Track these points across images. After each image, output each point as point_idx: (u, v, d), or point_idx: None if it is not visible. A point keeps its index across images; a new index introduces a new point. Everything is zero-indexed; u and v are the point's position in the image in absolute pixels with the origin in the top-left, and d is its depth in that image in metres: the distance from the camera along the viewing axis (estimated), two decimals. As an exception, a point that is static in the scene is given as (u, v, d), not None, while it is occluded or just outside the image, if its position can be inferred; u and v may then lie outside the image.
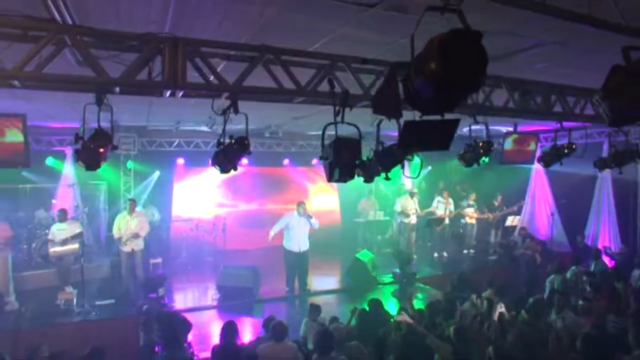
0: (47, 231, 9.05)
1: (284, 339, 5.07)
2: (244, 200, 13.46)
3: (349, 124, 3.15)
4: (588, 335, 5.01)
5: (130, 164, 11.20)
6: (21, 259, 9.39)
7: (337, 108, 3.07)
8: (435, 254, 12.17)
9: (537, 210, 13.05)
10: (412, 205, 11.76)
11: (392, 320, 6.05)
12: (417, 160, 14.38)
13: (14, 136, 6.83)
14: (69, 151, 10.27)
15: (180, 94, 3.23)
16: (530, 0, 2.26)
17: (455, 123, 2.57)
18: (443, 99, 1.83)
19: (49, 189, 10.50)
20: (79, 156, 3.33)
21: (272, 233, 8.88)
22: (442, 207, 12.21)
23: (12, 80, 2.92)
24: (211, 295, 8.78)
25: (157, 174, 11.93)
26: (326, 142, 3.10)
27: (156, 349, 5.56)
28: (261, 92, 3.35)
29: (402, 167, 3.89)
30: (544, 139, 12.52)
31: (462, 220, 12.43)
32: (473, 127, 4.88)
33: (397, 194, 13.25)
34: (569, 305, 6.32)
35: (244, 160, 12.91)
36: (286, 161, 13.38)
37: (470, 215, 12.25)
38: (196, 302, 8.82)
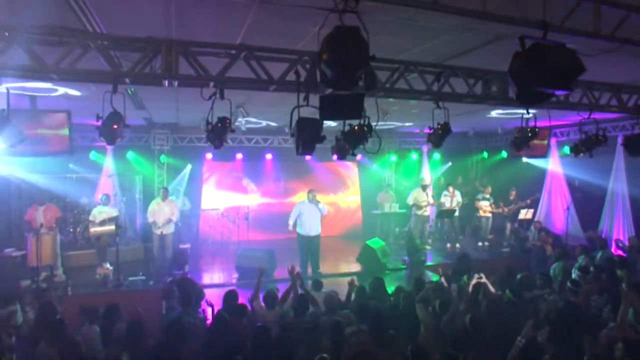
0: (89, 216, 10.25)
1: (274, 306, 5.82)
2: (268, 192, 14.34)
3: (313, 106, 3.86)
4: (561, 310, 5.43)
5: (163, 158, 12.31)
6: (68, 239, 10.63)
7: (302, 94, 3.79)
8: (449, 245, 12.60)
9: (554, 205, 13.24)
10: (424, 198, 12.25)
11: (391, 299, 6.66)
12: (436, 156, 14.90)
13: (60, 129, 7.97)
14: (109, 146, 11.52)
15: (176, 83, 4.06)
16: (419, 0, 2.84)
17: (360, 97, 3.23)
18: (340, 79, 2.52)
19: (92, 179, 11.75)
20: (100, 132, 4.23)
21: (291, 222, 9.69)
22: (448, 200, 12.65)
23: (52, 74, 3.83)
24: (230, 275, 9.67)
25: (189, 167, 13.02)
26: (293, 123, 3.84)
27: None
28: (241, 82, 4.12)
29: (364, 145, 4.53)
30: (559, 133, 12.78)
31: (477, 213, 12.78)
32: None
33: (416, 187, 13.77)
34: (550, 285, 6.72)
35: (268, 155, 13.89)
36: (308, 157, 14.16)
37: (484, 208, 12.58)
38: (216, 280, 9.74)
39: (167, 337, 4.60)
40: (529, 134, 5.81)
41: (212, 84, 4.06)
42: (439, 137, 5.40)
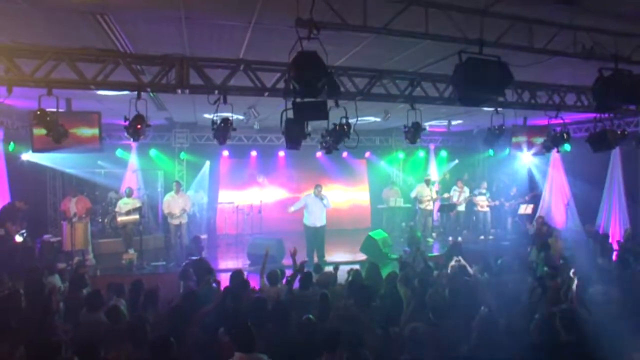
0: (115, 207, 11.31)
1: (277, 284, 6.66)
2: (279, 187, 15.22)
3: (299, 110, 4.67)
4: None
5: (183, 155, 13.32)
6: (97, 229, 11.72)
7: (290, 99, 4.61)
8: (450, 238, 13.23)
9: (555, 200, 13.75)
10: (427, 193, 12.92)
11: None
12: (443, 154, 15.53)
13: (91, 129, 8.97)
14: (134, 144, 12.59)
15: (187, 91, 4.93)
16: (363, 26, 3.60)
17: (323, 102, 4.04)
18: (305, 90, 3.34)
19: (118, 174, 12.85)
20: (126, 131, 5.14)
21: (292, 208, 10.57)
22: (456, 194, 13.29)
23: (90, 85, 4.76)
24: (242, 261, 10.58)
25: (207, 163, 14.00)
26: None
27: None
28: (240, 89, 4.98)
29: (344, 142, 5.30)
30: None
31: (475, 208, 13.40)
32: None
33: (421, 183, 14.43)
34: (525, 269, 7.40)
35: (281, 153, 14.72)
36: (319, 154, 14.94)
37: (481, 203, 13.19)
38: (230, 266, 10.63)
39: (184, 302, 5.48)
40: (497, 132, 6.51)
41: (216, 91, 4.91)
42: (412, 134, 6.15)
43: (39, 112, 4.75)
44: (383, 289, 6.70)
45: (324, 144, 5.50)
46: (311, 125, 7.08)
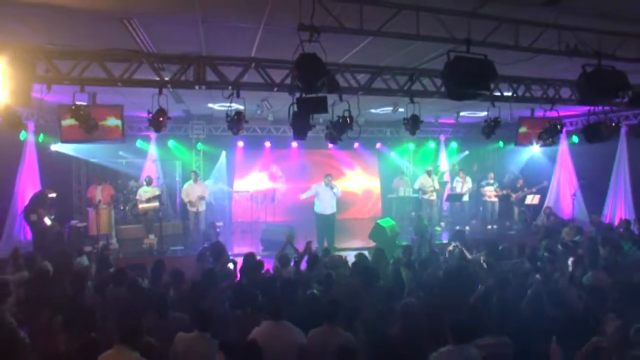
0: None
1: (287, 266, 7.16)
2: (293, 177, 15.70)
3: (302, 104, 5.12)
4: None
5: (200, 146, 13.87)
6: (120, 216, 12.39)
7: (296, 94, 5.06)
8: (457, 227, 13.57)
9: (562, 191, 13.97)
10: (429, 183, 13.27)
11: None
12: (453, 145, 15.82)
13: (114, 121, 9.54)
14: (153, 135, 13.20)
15: (204, 87, 5.42)
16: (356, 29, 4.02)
17: (324, 98, 4.48)
18: (306, 87, 3.79)
19: (138, 164, 13.49)
20: (149, 123, 5.66)
21: (303, 195, 11.08)
22: (459, 185, 13.61)
23: (118, 83, 5.29)
24: (256, 247, 11.11)
25: (223, 154, 14.55)
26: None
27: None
28: (252, 85, 5.46)
29: (347, 133, 5.72)
30: (569, 123, 13.45)
31: (483, 198, 13.70)
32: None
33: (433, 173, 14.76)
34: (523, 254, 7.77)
35: (294, 144, 15.19)
36: (331, 145, 15.36)
37: (489, 193, 13.48)
38: (244, 251, 11.16)
39: (203, 279, 6.02)
40: (492, 124, 6.87)
41: (230, 87, 5.39)
42: (411, 126, 6.54)
43: (73, 107, 5.28)
44: (388, 270, 7.17)
45: (329, 135, 5.96)
46: (322, 118, 7.61)
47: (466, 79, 4.14)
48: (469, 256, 7.28)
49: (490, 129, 7.05)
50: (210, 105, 11.22)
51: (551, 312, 5.05)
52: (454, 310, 5.00)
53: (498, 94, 6.22)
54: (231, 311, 5.47)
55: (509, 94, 6.42)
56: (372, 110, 12.06)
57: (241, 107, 5.65)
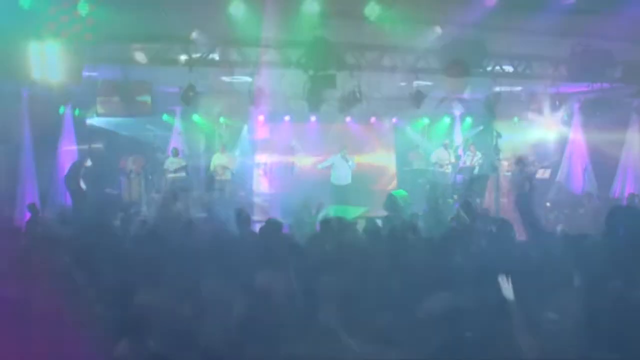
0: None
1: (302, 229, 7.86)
2: (311, 150, 16.28)
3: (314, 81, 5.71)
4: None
5: (222, 119, 14.57)
6: (149, 185, 13.27)
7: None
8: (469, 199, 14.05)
9: (574, 166, 14.27)
10: (446, 157, 13.70)
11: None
12: (469, 120, 16.18)
13: (144, 96, 10.26)
14: (177, 110, 13.95)
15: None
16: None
17: (333, 75, 5.06)
18: (317, 66, 4.39)
19: (164, 136, 14.30)
20: (180, 98, 6.34)
21: (319, 166, 11.78)
22: (469, 158, 14.03)
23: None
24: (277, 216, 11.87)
25: (245, 127, 15.22)
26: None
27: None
28: (270, 63, 6.08)
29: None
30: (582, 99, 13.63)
31: (497, 172, 14.07)
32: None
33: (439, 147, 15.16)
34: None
35: (313, 118, 15.71)
36: (348, 118, 15.83)
37: (504, 167, 13.86)
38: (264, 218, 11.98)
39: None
40: (493, 100, 7.31)
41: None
42: (415, 99, 7.05)
43: (117, 84, 5.98)
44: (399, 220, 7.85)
45: (340, 108, 6.58)
46: (340, 92, 8.21)
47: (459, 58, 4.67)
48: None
49: (490, 105, 7.45)
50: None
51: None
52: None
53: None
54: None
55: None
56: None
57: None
